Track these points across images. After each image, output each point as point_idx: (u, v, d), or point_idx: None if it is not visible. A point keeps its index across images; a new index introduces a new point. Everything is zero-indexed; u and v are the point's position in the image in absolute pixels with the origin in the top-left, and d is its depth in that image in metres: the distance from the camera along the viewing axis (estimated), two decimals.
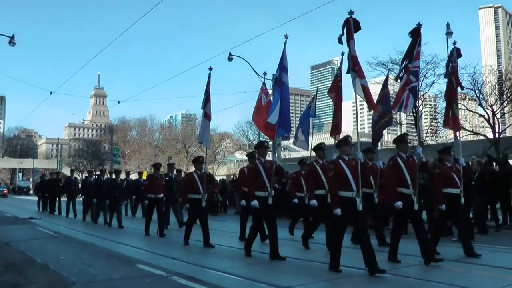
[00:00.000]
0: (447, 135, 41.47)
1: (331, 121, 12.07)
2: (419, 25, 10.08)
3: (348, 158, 8.49)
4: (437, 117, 38.54)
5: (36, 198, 31.68)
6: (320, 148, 11.59)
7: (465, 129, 36.14)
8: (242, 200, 12.48)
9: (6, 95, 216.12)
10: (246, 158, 15.48)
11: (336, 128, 11.60)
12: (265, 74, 13.49)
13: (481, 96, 34.66)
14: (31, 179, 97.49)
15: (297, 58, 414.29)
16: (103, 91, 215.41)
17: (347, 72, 9.04)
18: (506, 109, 37.38)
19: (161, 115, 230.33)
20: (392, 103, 11.88)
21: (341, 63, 11.89)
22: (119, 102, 56.65)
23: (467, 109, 37.00)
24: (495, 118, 34.56)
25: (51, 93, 40.03)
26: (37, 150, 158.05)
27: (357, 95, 8.92)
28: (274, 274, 8.56)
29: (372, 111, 12.21)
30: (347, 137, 8.86)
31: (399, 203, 8.74)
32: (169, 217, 17.89)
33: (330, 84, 12.67)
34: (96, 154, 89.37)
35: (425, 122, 47.43)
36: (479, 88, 34.24)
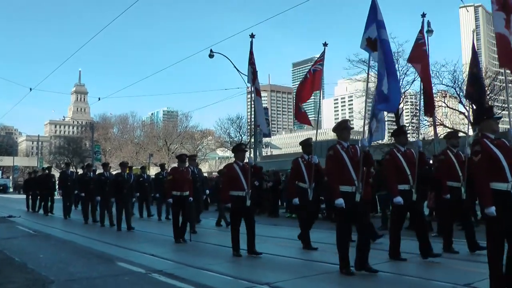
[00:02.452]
0: (428, 132, 41.71)
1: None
2: None
3: (494, 137, 6.28)
4: (417, 114, 38.86)
5: (18, 196, 31.24)
6: (402, 132, 9.53)
7: (445, 126, 36.45)
8: (295, 198, 10.77)
9: None
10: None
11: (430, 105, 10.11)
12: (325, 44, 11.49)
13: (461, 93, 35.00)
14: (10, 177, 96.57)
15: (277, 55, 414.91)
16: (84, 87, 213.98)
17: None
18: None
19: (143, 112, 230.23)
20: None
21: (422, 23, 10.12)
22: (99, 99, 55.88)
23: (448, 106, 37.38)
24: None
25: (30, 89, 39.92)
26: (17, 148, 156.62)
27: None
28: (254, 271, 8.57)
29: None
30: (491, 108, 7.03)
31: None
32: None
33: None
34: (77, 151, 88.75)
35: (406, 119, 47.80)
36: (460, 85, 34.55)
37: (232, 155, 10.47)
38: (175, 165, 13.85)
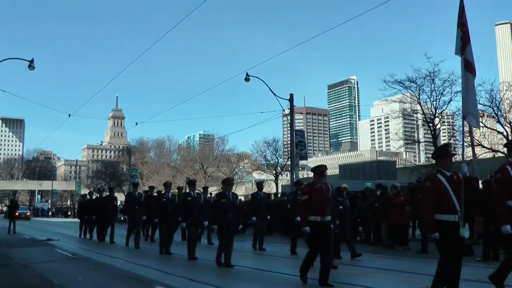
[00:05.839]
0: (466, 152, 41.25)
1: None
2: None
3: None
4: (455, 134, 38.31)
5: (56, 220, 31.55)
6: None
7: (483, 147, 35.83)
8: (508, 224, 7.17)
9: (25, 118, 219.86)
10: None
11: None
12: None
13: (499, 113, 34.43)
14: (49, 201, 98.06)
15: (313, 77, 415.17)
16: (121, 112, 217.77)
17: None
18: None
19: (179, 136, 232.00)
20: None
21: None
22: (136, 123, 57.36)
23: (486, 126, 36.76)
24: None
25: (69, 115, 40.67)
26: (55, 172, 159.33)
27: None
28: None
29: None
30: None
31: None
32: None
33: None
34: (114, 176, 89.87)
35: (443, 140, 47.18)
36: (497, 105, 34.00)
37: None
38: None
